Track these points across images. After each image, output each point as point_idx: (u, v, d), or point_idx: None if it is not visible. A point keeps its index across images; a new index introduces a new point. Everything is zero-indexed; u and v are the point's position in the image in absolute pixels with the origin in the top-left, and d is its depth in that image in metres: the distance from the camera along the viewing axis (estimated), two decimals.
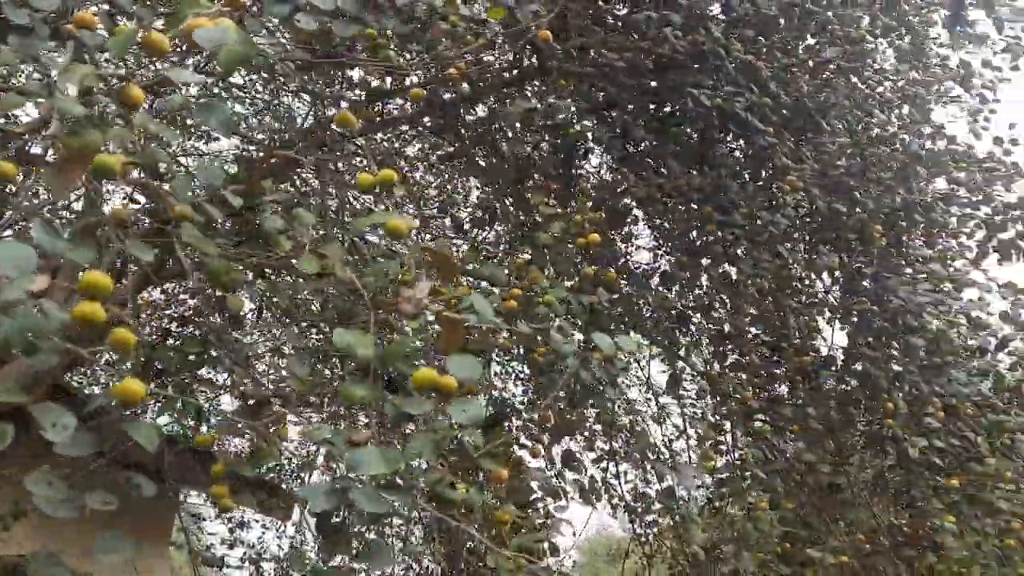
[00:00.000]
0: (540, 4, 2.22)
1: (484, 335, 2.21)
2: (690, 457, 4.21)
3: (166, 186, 1.15)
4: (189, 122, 4.95)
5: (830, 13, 3.38)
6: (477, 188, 4.75)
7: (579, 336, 2.12)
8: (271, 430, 1.58)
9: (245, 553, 8.73)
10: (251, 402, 1.59)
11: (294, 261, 1.27)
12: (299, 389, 1.38)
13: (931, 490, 3.54)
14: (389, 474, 1.05)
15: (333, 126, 1.43)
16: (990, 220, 4.96)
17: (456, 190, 5.60)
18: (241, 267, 1.54)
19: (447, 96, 2.77)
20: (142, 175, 1.13)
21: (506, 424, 2.60)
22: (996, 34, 3.59)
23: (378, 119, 4.27)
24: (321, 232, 1.35)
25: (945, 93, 4.44)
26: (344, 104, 2.68)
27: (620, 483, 5.02)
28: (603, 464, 4.59)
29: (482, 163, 3.17)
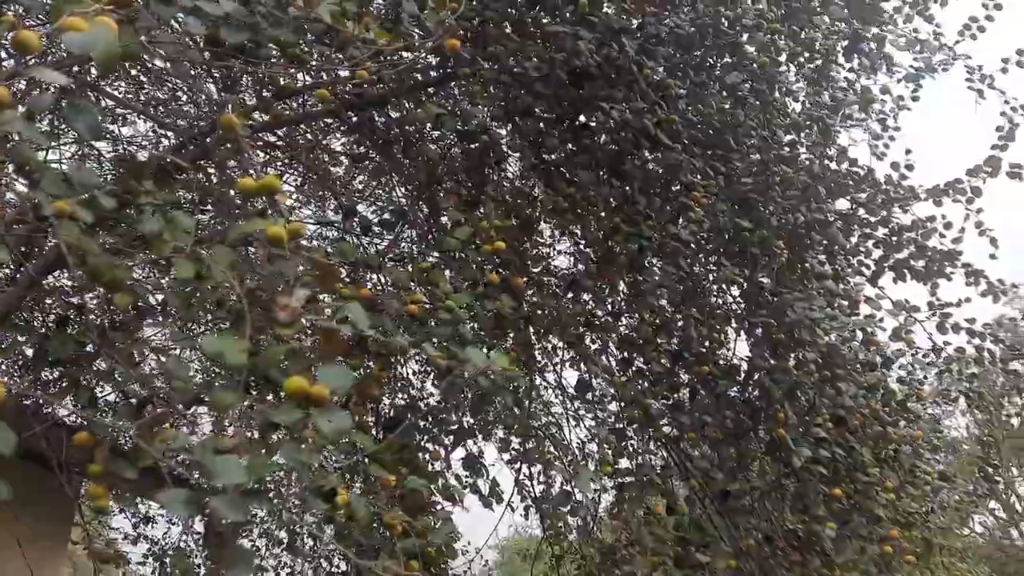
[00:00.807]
0: (448, 10, 2.24)
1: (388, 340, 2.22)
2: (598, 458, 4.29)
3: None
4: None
5: (745, 36, 3.50)
6: (401, 190, 4.75)
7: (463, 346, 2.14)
8: (152, 431, 1.56)
9: (149, 549, 8.50)
10: (133, 401, 1.56)
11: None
12: (180, 391, 1.36)
13: (818, 498, 3.70)
14: (252, 482, 1.05)
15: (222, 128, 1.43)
16: (887, 241, 5.21)
17: (377, 190, 5.57)
18: (129, 265, 1.52)
19: (357, 96, 2.77)
20: (12, 174, 1.11)
21: (408, 427, 2.62)
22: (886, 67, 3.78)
23: (297, 112, 4.23)
24: (203, 235, 1.35)
25: (849, 117, 4.63)
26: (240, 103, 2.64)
27: (532, 484, 5.09)
28: (516, 465, 4.64)
29: (392, 165, 3.18)
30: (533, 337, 5.33)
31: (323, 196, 6.12)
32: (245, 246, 1.60)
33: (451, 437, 2.72)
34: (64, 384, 2.41)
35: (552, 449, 6.70)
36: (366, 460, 1.82)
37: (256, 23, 1.48)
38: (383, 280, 2.64)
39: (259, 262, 1.36)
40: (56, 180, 1.15)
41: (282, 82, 2.39)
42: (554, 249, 5.09)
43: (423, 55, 2.85)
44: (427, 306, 2.31)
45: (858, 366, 3.99)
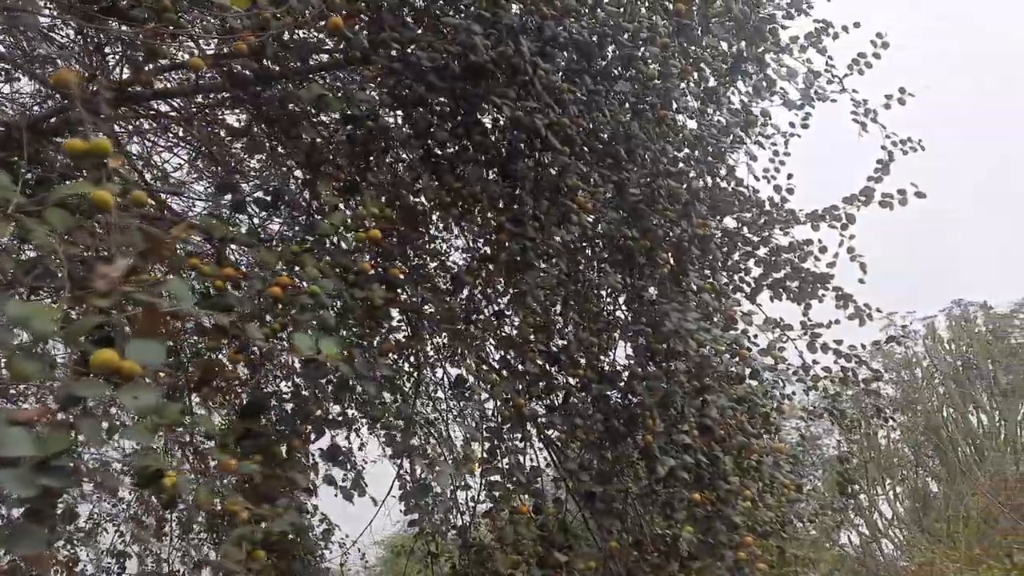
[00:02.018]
0: None
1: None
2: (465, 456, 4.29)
3: None
4: None
5: (643, 51, 3.57)
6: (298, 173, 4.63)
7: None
8: None
9: None
10: None
11: None
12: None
13: (681, 504, 3.80)
14: (49, 455, 0.99)
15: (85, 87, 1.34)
16: (767, 260, 5.43)
17: (271, 169, 5.42)
18: None
19: (238, 71, 2.68)
20: None
21: (268, 414, 2.55)
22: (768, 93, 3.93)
23: (189, 84, 4.07)
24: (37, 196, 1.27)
25: (739, 139, 4.80)
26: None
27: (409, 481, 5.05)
28: (397, 460, 4.59)
29: (274, 144, 3.10)
30: (425, 333, 5.31)
31: (216, 172, 5.93)
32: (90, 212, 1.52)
33: (310, 427, 2.65)
34: None
35: (437, 446, 6.69)
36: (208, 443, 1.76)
37: None
38: (252, 260, 2.56)
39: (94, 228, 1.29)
40: None
41: (155, 47, 2.28)
42: (451, 246, 5.08)
43: (313, 36, 2.78)
44: (292, 290, 2.26)
45: (728, 378, 4.14)
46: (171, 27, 2.07)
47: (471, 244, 3.86)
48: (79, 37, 2.64)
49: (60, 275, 1.17)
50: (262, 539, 2.04)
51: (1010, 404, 18.15)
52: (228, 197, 2.62)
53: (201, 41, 2.53)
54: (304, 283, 2.26)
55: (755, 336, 4.94)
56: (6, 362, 1.04)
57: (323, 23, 2.36)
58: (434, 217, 3.44)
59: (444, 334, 4.08)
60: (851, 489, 5.36)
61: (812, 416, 6.29)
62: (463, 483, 3.45)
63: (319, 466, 2.83)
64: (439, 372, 5.99)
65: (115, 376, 1.07)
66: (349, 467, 3.03)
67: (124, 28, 2.00)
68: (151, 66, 2.43)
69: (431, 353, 5.61)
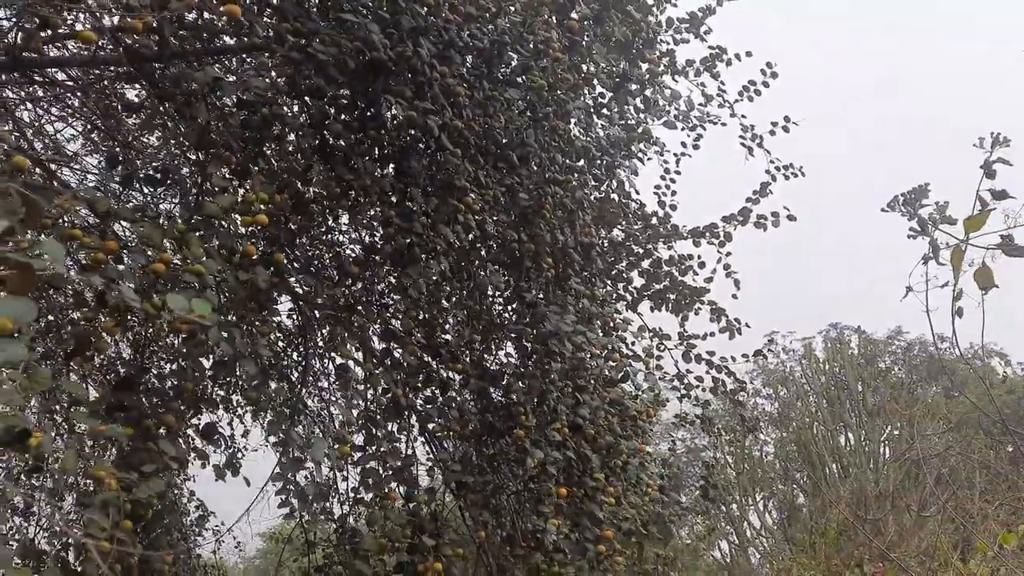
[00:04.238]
0: None
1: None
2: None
3: None
4: None
5: (539, 62, 3.74)
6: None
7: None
8: None
9: None
10: None
11: None
12: None
13: (548, 498, 3.98)
14: None
15: None
16: (649, 272, 5.71)
17: (168, 148, 5.34)
18: None
19: (136, 46, 2.69)
20: None
21: (142, 390, 2.57)
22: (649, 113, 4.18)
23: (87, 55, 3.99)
24: None
25: (626, 153, 5.04)
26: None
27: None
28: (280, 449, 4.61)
29: (166, 122, 3.11)
30: (315, 324, 5.32)
31: (111, 146, 5.78)
32: None
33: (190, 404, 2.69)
34: None
35: (319, 434, 6.69)
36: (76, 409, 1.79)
37: None
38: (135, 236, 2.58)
39: None
40: None
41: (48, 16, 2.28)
42: (347, 237, 5.12)
43: (215, 21, 2.82)
44: (174, 267, 2.30)
45: (601, 380, 4.35)
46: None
47: (360, 236, 3.94)
48: None
49: None
50: (130, 511, 2.08)
51: (875, 424, 19.35)
52: (117, 171, 2.63)
53: (98, 14, 2.53)
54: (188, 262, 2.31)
55: (632, 343, 5.20)
56: None
57: (220, 4, 2.40)
58: (325, 206, 3.50)
59: (326, 321, 4.14)
60: (712, 493, 5.67)
61: (686, 424, 6.61)
62: (344, 473, 3.52)
63: (195, 445, 2.85)
64: (327, 363, 6.03)
65: None
66: (224, 447, 3.06)
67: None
68: (44, 33, 2.42)
69: (320, 344, 5.64)
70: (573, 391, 4.02)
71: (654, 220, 5.49)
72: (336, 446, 2.97)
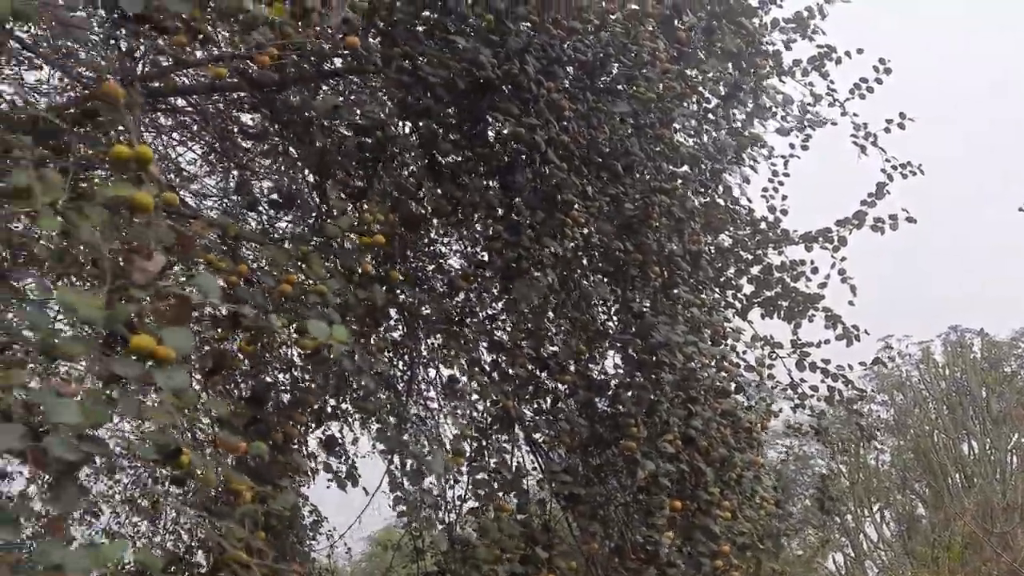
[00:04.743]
0: (350, 12, 2.34)
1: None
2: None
3: None
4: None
5: (644, 72, 3.73)
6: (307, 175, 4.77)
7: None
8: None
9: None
10: None
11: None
12: (41, 340, 1.42)
13: (661, 511, 3.94)
14: (88, 427, 1.13)
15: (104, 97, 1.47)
16: (759, 279, 5.57)
17: (281, 169, 5.56)
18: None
19: (257, 77, 2.83)
20: None
21: (270, 403, 2.69)
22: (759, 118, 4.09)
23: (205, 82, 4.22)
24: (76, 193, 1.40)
25: (734, 159, 4.95)
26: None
27: (402, 476, 5.18)
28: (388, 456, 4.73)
29: (288, 148, 3.25)
30: (420, 333, 5.44)
31: (227, 167, 6.07)
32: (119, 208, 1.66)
33: (311, 418, 2.81)
34: None
35: (425, 443, 6.82)
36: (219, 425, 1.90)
37: None
38: (263, 258, 2.71)
39: (127, 224, 1.43)
40: None
41: (181, 55, 2.43)
42: (450, 249, 5.23)
43: (328, 47, 2.93)
44: (301, 288, 2.40)
45: (713, 391, 4.27)
46: (200, 37, 2.22)
47: (468, 250, 4.01)
48: (109, 38, 2.78)
49: (101, 267, 1.31)
50: (257, 517, 2.18)
51: (1000, 432, 18.26)
52: (243, 196, 2.77)
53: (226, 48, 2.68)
54: (311, 281, 2.41)
55: (743, 352, 5.09)
56: (55, 342, 1.18)
57: (340, 36, 2.50)
58: (434, 222, 3.59)
59: (438, 335, 4.23)
60: (828, 505, 5.48)
61: (798, 433, 6.41)
62: (452, 480, 3.59)
63: (315, 455, 2.97)
64: (432, 372, 6.14)
65: (150, 359, 1.22)
66: (344, 458, 3.17)
67: (155, 35, 2.15)
68: (176, 73, 2.58)
69: (424, 353, 5.76)
70: (684, 402, 3.97)
71: (763, 225, 5.36)
72: (450, 457, 3.02)
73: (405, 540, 6.15)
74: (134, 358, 1.21)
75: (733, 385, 4.33)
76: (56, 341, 1.16)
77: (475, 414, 4.45)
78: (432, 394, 6.70)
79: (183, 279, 1.27)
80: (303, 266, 2.48)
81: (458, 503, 5.01)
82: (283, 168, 4.23)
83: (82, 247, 1.30)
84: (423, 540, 6.00)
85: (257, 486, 2.07)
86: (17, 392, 1.18)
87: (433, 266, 4.72)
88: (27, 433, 1.12)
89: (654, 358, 3.84)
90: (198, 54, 2.88)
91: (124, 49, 2.44)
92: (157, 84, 3.13)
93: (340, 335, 1.48)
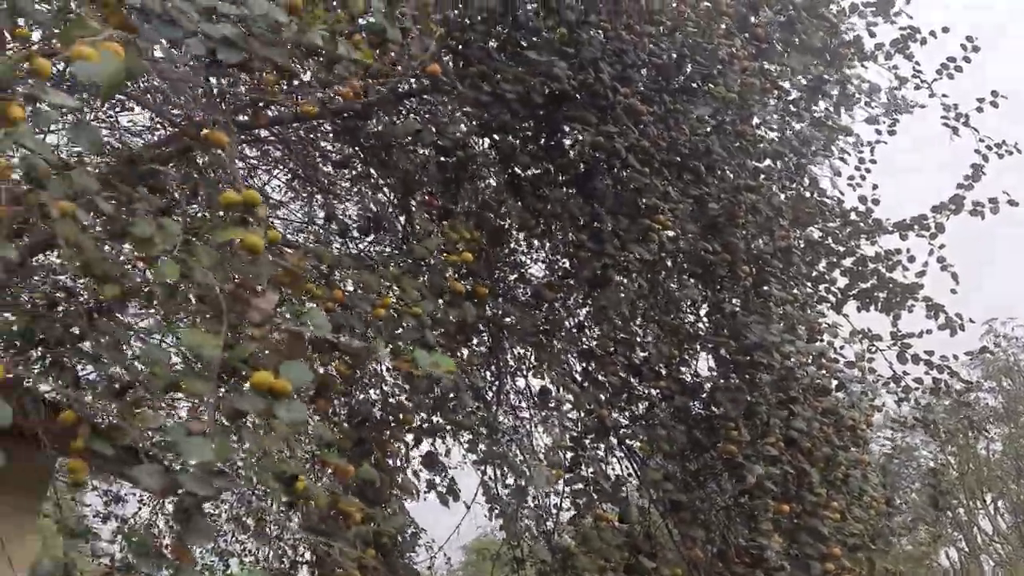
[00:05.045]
0: (431, 39, 2.38)
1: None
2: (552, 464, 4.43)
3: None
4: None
5: (716, 69, 3.67)
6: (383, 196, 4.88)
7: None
8: (132, 412, 1.69)
9: (118, 527, 8.61)
10: (116, 385, 1.70)
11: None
12: (158, 377, 1.50)
13: (767, 514, 3.85)
14: (218, 462, 1.19)
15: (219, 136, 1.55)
16: (853, 270, 5.40)
17: (362, 192, 5.70)
18: (119, 259, 1.65)
19: (340, 107, 2.90)
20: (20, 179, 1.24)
21: (368, 422, 2.75)
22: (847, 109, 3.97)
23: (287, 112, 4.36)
24: (188, 236, 1.47)
25: (822, 150, 4.82)
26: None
27: (497, 486, 5.22)
28: (482, 467, 4.77)
29: (372, 173, 3.32)
30: (506, 344, 5.47)
31: (310, 193, 6.24)
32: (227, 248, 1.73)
33: (412, 435, 2.85)
34: (49, 363, 2.53)
35: (518, 453, 6.85)
36: (327, 449, 1.96)
37: (251, 44, 1.61)
38: (356, 283, 2.77)
39: (237, 263, 1.49)
40: (60, 185, 1.29)
41: (270, 93, 2.52)
42: (530, 258, 5.25)
43: (408, 75, 3.00)
44: (394, 310, 2.45)
45: (812, 390, 4.16)
46: (288, 76, 2.30)
47: (550, 259, 4.01)
48: (200, 79, 2.91)
49: (216, 306, 1.37)
50: (369, 537, 2.23)
51: None
52: (334, 224, 2.85)
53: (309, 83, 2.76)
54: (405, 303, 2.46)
55: (841, 347, 4.93)
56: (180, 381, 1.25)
57: (420, 65, 2.55)
58: (517, 235, 3.61)
59: (523, 344, 4.23)
60: (943, 502, 5.25)
61: (903, 427, 6.19)
62: (551, 490, 3.58)
63: (419, 473, 3.02)
64: (520, 382, 6.16)
65: (269, 393, 1.27)
66: (444, 473, 3.22)
67: (244, 77, 2.23)
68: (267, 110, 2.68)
69: (511, 363, 5.78)
70: (784, 403, 3.88)
71: (853, 215, 5.20)
72: (552, 471, 3.03)
73: (504, 550, 6.18)
74: (255, 393, 1.26)
75: (834, 383, 4.20)
76: (183, 380, 1.22)
77: (568, 424, 4.45)
78: (521, 403, 6.73)
79: (294, 314, 1.32)
80: (396, 288, 2.53)
81: (554, 512, 5.01)
82: (368, 192, 4.32)
83: (197, 286, 1.36)
84: (522, 550, 6.02)
85: (367, 508, 2.13)
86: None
87: (515, 276, 4.74)
88: (164, 471, 1.18)
89: (748, 358, 3.77)
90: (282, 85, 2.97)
91: (216, 91, 2.56)
92: (246, 119, 3.24)
93: (448, 365, 1.51)
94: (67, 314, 2.33)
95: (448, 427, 2.92)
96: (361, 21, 2.29)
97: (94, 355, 2.41)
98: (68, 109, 1.20)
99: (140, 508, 8.71)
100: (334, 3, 2.00)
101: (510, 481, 5.25)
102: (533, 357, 5.08)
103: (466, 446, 5.13)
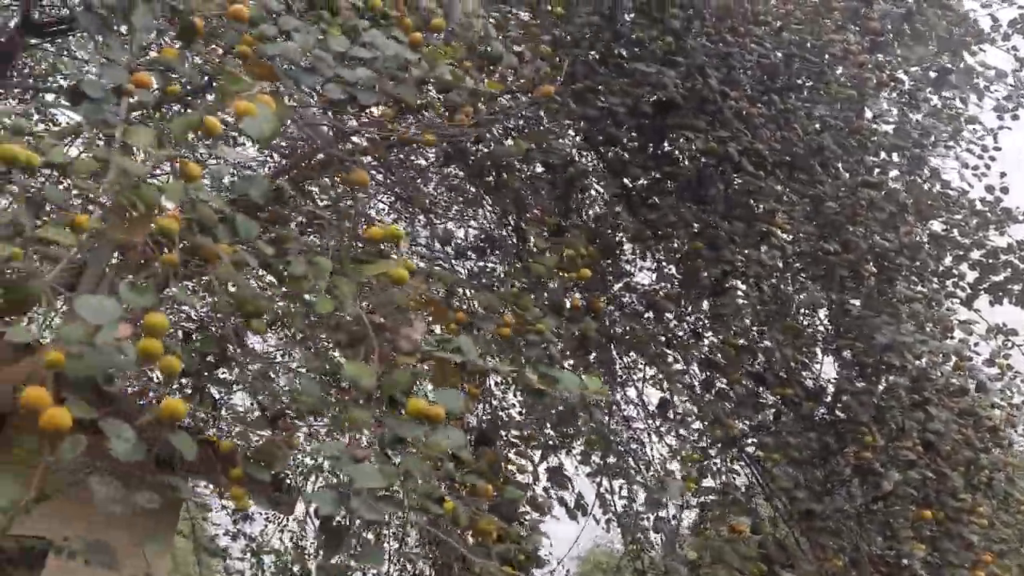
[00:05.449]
0: (543, 61, 2.42)
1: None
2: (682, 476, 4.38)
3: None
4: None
5: (827, 66, 3.58)
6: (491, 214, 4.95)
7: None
8: (283, 438, 1.78)
9: (247, 545, 8.98)
10: (267, 413, 1.79)
11: (309, 298, 1.47)
12: (309, 406, 1.57)
13: (906, 521, 3.70)
14: (384, 487, 1.24)
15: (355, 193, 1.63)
16: (983, 263, 5.12)
17: (468, 211, 5.80)
18: (269, 296, 1.75)
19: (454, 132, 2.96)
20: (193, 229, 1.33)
21: (497, 441, 2.79)
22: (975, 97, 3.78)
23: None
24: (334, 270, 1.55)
25: (944, 142, 4.61)
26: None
27: (614, 498, 5.19)
28: (597, 479, 4.75)
29: (484, 193, 3.38)
30: (614, 354, 5.44)
31: (412, 212, 6.39)
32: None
33: (538, 451, 2.88)
34: (190, 392, 2.69)
35: (632, 464, 6.79)
36: (464, 472, 2.01)
37: (383, 86, 1.69)
38: (475, 304, 2.83)
39: (377, 294, 1.56)
40: (228, 232, 1.38)
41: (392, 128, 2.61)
42: (635, 266, 5.21)
43: (520, 98, 3.04)
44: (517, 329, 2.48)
45: (948, 391, 3.97)
46: (410, 109, 2.38)
47: (662, 268, 3.97)
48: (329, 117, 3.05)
49: (363, 337, 1.44)
50: (511, 556, 2.26)
51: None
52: (450, 245, 2.92)
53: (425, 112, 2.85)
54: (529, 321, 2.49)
55: (976, 345, 4.68)
56: (343, 410, 1.31)
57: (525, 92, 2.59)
58: (627, 246, 3.60)
59: (639, 355, 4.20)
60: None
61: None
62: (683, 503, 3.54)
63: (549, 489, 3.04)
64: (631, 392, 6.10)
65: (425, 420, 1.32)
66: (571, 488, 3.23)
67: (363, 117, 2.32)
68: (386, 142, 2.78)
69: (620, 373, 5.74)
70: (919, 405, 3.71)
71: (979, 205, 4.94)
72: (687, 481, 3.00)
73: (624, 562, 6.13)
74: (411, 419, 1.32)
75: (973, 383, 3.99)
76: (346, 411, 1.29)
77: (690, 434, 4.39)
78: (632, 413, 6.66)
79: (440, 342, 1.37)
80: (517, 308, 2.57)
81: (676, 522, 4.92)
82: (478, 213, 4.40)
83: (347, 318, 1.43)
84: (642, 561, 5.95)
85: (504, 526, 2.16)
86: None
87: (620, 283, 4.71)
88: (338, 497, 1.24)
89: (875, 360, 3.63)
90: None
91: (335, 128, 2.67)
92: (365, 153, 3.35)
93: (595, 385, 1.53)
94: (203, 344, 2.48)
95: (572, 442, 2.94)
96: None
97: (229, 381, 2.56)
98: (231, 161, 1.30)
99: (266, 526, 9.08)
100: (452, 30, 2.07)
101: (625, 492, 5.22)
102: (646, 367, 5.04)
103: (578, 458, 5.12)
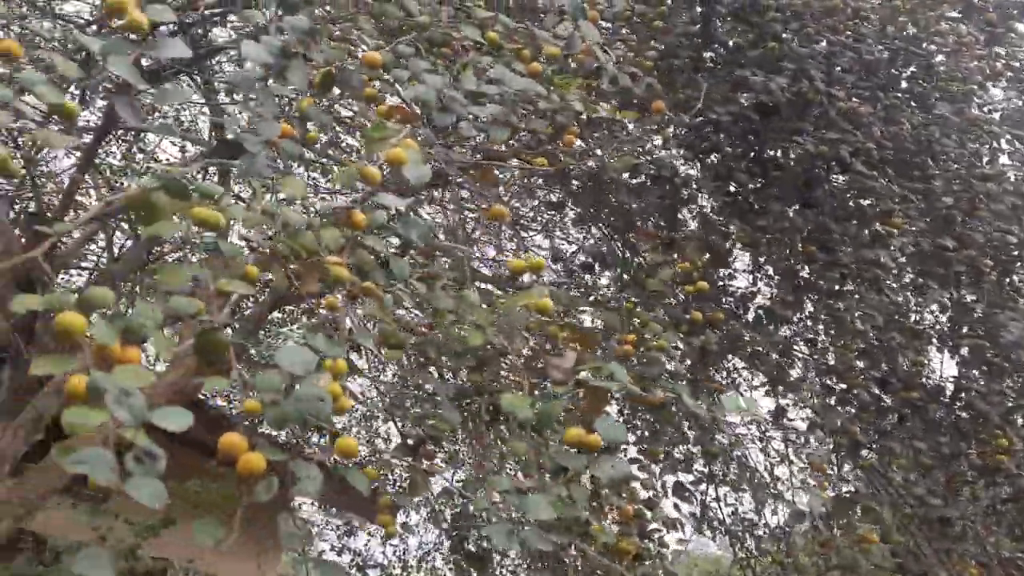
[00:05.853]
0: (651, 78, 2.42)
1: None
2: (793, 485, 4.28)
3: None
4: None
5: (938, 57, 3.47)
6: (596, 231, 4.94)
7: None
8: (424, 466, 1.84)
9: (352, 560, 9.22)
10: (409, 442, 1.85)
11: (459, 332, 1.52)
12: (447, 432, 1.62)
13: None
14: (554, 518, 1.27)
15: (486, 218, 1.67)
16: None
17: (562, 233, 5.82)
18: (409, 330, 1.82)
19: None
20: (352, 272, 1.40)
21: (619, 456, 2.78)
22: None
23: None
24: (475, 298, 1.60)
25: None
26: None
27: (720, 507, 5.11)
28: (701, 487, 4.69)
29: (590, 210, 3.39)
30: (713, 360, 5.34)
31: (498, 230, 6.45)
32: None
33: (660, 466, 2.87)
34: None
35: (736, 471, 6.66)
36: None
37: (512, 121, 1.73)
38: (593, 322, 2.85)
39: (505, 322, 1.60)
40: (385, 274, 1.45)
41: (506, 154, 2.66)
42: (747, 275, 5.12)
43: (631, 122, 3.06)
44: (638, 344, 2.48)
45: None
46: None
47: (775, 277, 3.89)
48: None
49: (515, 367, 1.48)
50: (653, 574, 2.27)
51: None
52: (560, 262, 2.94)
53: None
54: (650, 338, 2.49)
55: None
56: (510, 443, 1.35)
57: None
58: (735, 253, 3.55)
59: (734, 358, 4.12)
60: None
61: None
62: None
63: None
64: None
65: (584, 448, 1.34)
66: (695, 501, 3.20)
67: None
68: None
69: (718, 379, 5.64)
70: None
71: None
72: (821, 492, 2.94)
73: (734, 571, 6.02)
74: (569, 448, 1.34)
75: None
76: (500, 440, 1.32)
77: (808, 442, 4.29)
78: (733, 420, 6.53)
79: (594, 370, 1.39)
80: (637, 324, 2.57)
81: (786, 530, 4.80)
82: (585, 230, 4.42)
83: (505, 346, 1.47)
84: (754, 571, 5.83)
85: (640, 545, 2.16)
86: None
87: (735, 294, 4.64)
88: (511, 531, 1.27)
89: (1009, 358, 3.48)
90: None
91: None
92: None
93: (751, 406, 1.52)
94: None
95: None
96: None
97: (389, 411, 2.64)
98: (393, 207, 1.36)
99: (368, 541, 9.32)
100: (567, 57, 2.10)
101: (732, 500, 5.13)
102: (749, 371, 4.93)
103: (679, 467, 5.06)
